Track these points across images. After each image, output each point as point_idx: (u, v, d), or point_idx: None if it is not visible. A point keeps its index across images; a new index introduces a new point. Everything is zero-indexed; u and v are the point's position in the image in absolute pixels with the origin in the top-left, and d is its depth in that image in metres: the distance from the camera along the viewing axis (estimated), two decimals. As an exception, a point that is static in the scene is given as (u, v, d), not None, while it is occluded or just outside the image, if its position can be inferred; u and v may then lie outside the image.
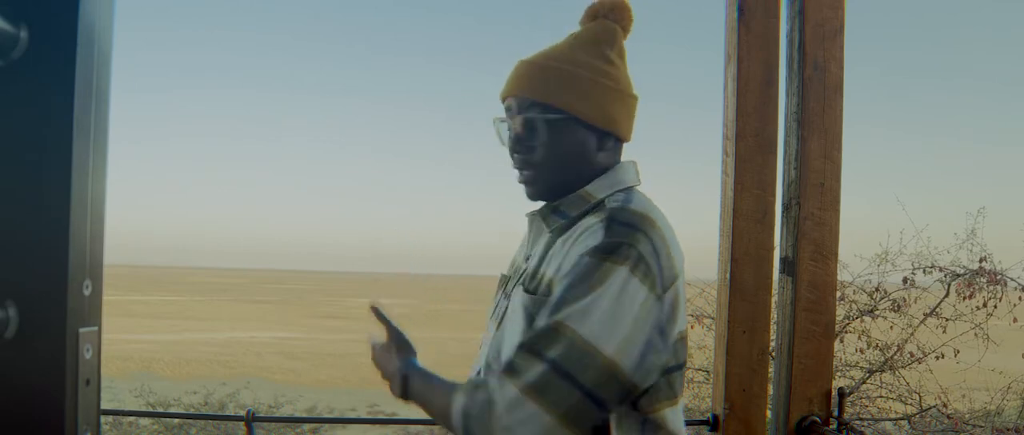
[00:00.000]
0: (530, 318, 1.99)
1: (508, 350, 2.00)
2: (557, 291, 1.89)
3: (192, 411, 19.25)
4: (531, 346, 1.83)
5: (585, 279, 1.86)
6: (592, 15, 2.23)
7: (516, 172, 2.17)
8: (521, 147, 2.12)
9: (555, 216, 2.15)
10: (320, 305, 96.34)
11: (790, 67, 3.28)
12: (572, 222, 2.10)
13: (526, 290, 2.07)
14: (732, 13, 3.30)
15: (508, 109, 2.15)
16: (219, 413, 19.02)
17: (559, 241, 2.07)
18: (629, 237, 1.91)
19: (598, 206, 2.09)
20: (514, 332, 2.03)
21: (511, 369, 1.83)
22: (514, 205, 2.47)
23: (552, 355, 1.81)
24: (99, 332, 1.00)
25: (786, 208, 3.27)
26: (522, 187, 2.17)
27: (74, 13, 0.94)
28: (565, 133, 2.10)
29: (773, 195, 3.24)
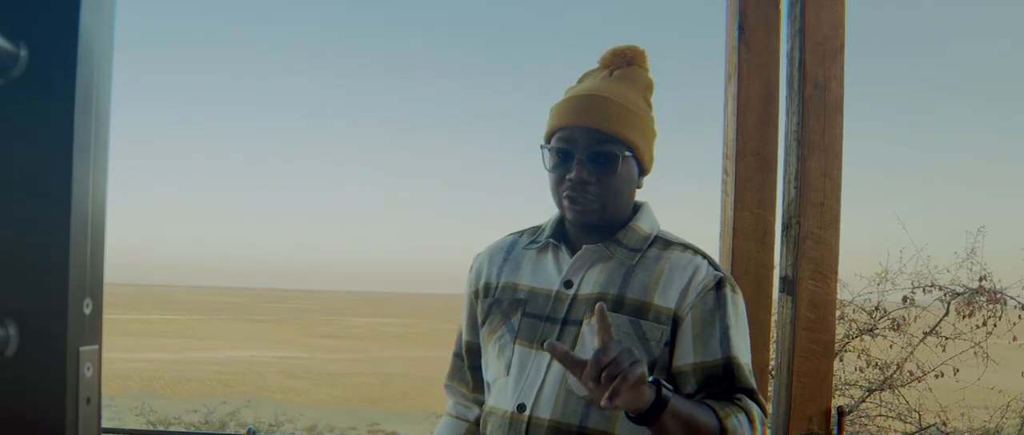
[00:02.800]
0: (644, 339, 2.29)
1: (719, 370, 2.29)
2: (716, 323, 2.30)
3: (193, 430, 19.28)
4: (749, 374, 2.31)
5: (733, 311, 2.34)
6: (627, 60, 2.47)
7: (571, 197, 2.33)
8: (597, 174, 2.30)
9: (621, 248, 2.39)
10: (320, 324, 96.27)
11: (790, 86, 3.28)
12: (635, 253, 2.39)
13: (628, 315, 2.31)
14: (732, 31, 3.30)
15: (570, 139, 2.32)
16: (220, 432, 19.06)
17: (640, 271, 2.36)
18: (722, 268, 2.42)
19: (656, 240, 2.44)
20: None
21: (754, 393, 2.29)
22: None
23: (754, 383, 2.33)
24: (100, 351, 1.00)
25: (786, 227, 3.27)
26: (572, 208, 2.35)
27: (74, 31, 0.94)
28: (630, 168, 2.38)
29: (773, 214, 3.24)
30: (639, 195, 2.51)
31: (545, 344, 2.04)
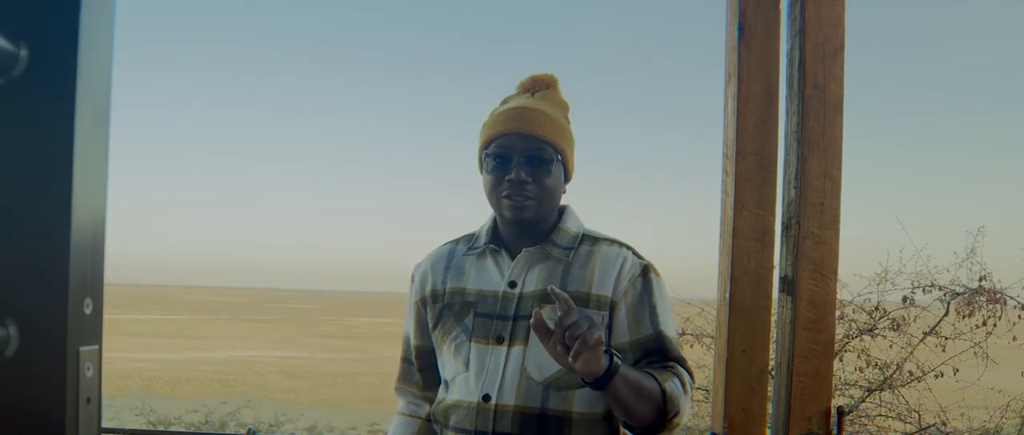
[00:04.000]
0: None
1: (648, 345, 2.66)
2: (645, 304, 2.68)
3: (193, 430, 19.29)
4: (677, 345, 2.70)
5: (658, 292, 2.73)
6: (545, 84, 2.82)
7: (511, 196, 2.63)
8: (533, 175, 2.62)
9: (556, 248, 2.71)
10: (320, 324, 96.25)
11: (790, 86, 3.28)
12: (568, 251, 2.72)
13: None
14: (732, 32, 3.30)
15: (507, 145, 2.63)
16: (220, 432, 19.08)
17: (576, 267, 2.69)
18: (644, 257, 2.77)
19: (584, 238, 2.78)
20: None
21: (683, 361, 2.67)
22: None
23: (682, 353, 2.70)
24: (100, 351, 1.00)
25: (786, 227, 3.26)
26: (511, 206, 2.64)
27: (74, 31, 0.94)
28: (559, 171, 2.71)
29: (773, 214, 3.24)
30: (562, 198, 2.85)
31: (532, 314, 2.29)
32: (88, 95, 0.96)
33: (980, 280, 10.49)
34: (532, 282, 2.68)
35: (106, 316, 1.02)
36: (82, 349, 0.96)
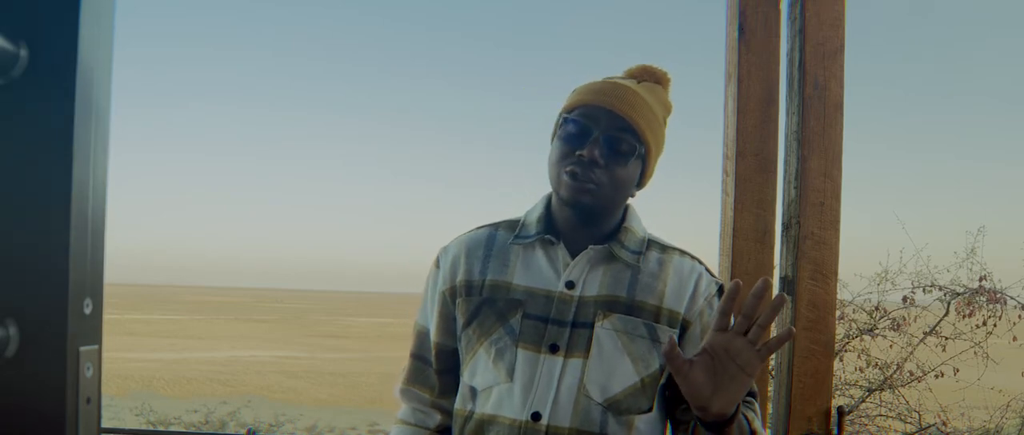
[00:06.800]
0: (657, 342, 2.29)
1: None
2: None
3: (193, 429, 19.29)
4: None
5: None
6: (655, 78, 2.42)
7: (574, 174, 2.23)
8: (607, 158, 2.23)
9: (624, 250, 2.34)
10: (320, 324, 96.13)
11: (790, 86, 3.28)
12: (637, 255, 2.35)
13: (642, 318, 2.29)
14: (732, 32, 3.30)
15: (592, 117, 2.24)
16: (220, 431, 19.07)
17: (645, 275, 2.34)
18: (715, 274, 2.46)
19: (651, 243, 2.42)
20: (637, 358, 2.28)
21: (757, 395, 2.38)
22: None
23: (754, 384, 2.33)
24: (100, 351, 1.00)
25: (786, 227, 3.26)
26: (572, 184, 2.23)
27: (74, 31, 0.94)
28: (636, 168, 2.32)
29: (773, 214, 3.24)
30: None
31: (665, 344, 1.93)
32: (88, 95, 0.96)
33: (980, 280, 10.50)
34: (594, 285, 2.31)
35: (106, 316, 1.02)
36: (82, 349, 0.96)
